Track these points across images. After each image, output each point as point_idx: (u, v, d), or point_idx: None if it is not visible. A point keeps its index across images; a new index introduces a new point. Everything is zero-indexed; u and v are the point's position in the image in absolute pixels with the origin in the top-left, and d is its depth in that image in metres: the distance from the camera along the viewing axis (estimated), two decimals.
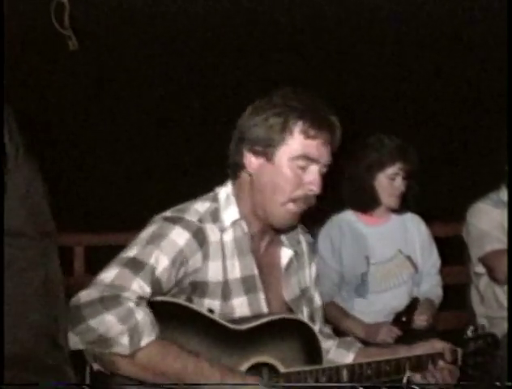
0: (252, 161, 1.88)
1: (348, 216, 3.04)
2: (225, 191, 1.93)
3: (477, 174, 4.21)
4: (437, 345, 2.04)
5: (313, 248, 2.15)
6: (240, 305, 1.86)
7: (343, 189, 3.03)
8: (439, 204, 4.11)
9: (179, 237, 1.81)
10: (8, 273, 1.07)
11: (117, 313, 1.65)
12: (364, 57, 4.57)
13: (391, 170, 2.93)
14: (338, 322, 2.90)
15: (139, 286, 1.72)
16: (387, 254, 3.01)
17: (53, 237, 1.16)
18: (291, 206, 1.86)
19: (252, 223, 1.91)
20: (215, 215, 1.88)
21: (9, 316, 1.06)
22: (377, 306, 2.95)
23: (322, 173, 1.89)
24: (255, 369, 1.82)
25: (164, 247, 1.78)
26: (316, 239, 3.01)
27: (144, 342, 1.65)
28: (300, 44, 4.54)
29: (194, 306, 1.82)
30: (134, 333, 1.64)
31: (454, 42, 4.61)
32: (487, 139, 3.23)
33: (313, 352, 1.91)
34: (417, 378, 2.01)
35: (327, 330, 2.16)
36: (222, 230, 1.87)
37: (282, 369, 1.84)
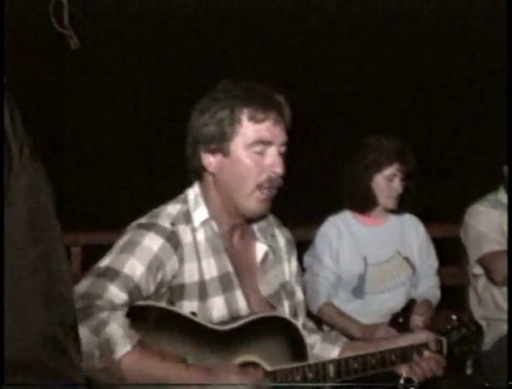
0: (211, 161, 1.89)
1: (346, 217, 3.04)
2: (193, 192, 1.95)
3: (475, 176, 4.21)
4: (421, 336, 2.06)
5: (293, 243, 2.16)
6: (218, 304, 1.87)
7: (341, 189, 3.03)
8: (437, 205, 4.11)
9: (152, 242, 1.81)
10: (9, 276, 1.06)
11: (89, 324, 1.63)
12: (362, 57, 4.57)
13: (389, 171, 2.93)
14: (334, 322, 2.91)
15: (113, 293, 1.72)
16: (385, 254, 3.01)
17: (57, 239, 1.15)
18: (258, 193, 1.86)
19: (223, 221, 1.92)
20: (187, 217, 1.89)
21: (9, 320, 1.05)
22: (374, 307, 2.95)
23: (281, 153, 1.89)
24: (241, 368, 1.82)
25: (138, 254, 1.79)
26: (313, 239, 3.02)
27: (119, 354, 1.63)
28: (296, 46, 4.54)
29: (178, 309, 1.82)
30: (106, 347, 1.62)
31: (454, 43, 4.61)
32: (485, 140, 3.23)
33: (297, 349, 1.91)
34: (403, 369, 2.02)
35: (311, 324, 2.18)
36: (193, 230, 1.88)
37: (268, 367, 1.84)
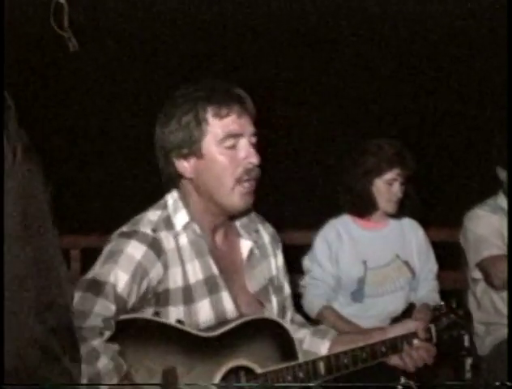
0: (185, 166, 1.89)
1: (346, 221, 3.04)
2: (172, 197, 1.94)
3: (475, 180, 4.21)
4: (410, 325, 2.06)
5: (277, 238, 2.15)
6: (204, 307, 1.86)
7: (341, 193, 3.03)
8: (436, 209, 4.11)
9: (135, 250, 1.81)
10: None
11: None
12: (363, 62, 4.57)
13: (389, 175, 2.94)
14: (334, 326, 2.89)
15: (102, 306, 1.72)
16: (384, 258, 3.00)
17: (51, 242, 1.12)
18: (239, 187, 1.86)
19: (204, 224, 1.92)
20: (167, 222, 1.89)
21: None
22: (373, 311, 2.94)
23: (253, 144, 1.90)
24: (232, 373, 1.82)
25: (121, 263, 1.79)
26: (313, 243, 3.02)
27: (104, 387, 1.64)
28: (296, 48, 4.54)
29: (164, 320, 1.81)
30: (94, 379, 1.63)
31: (453, 44, 4.61)
32: (485, 144, 3.23)
33: (287, 349, 1.91)
34: (394, 360, 2.01)
35: (299, 317, 2.17)
36: (176, 235, 1.87)
37: (258, 370, 1.84)
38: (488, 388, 2.67)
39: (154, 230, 1.86)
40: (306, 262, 3.02)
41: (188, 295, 1.85)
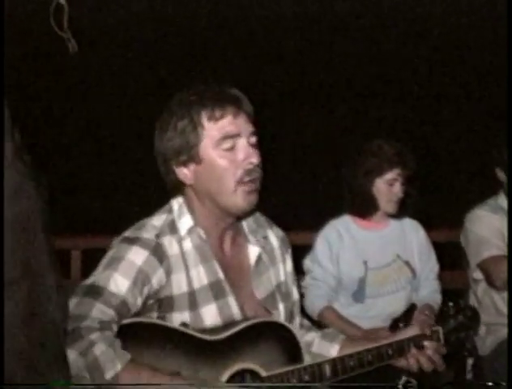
0: (185, 173, 1.87)
1: (346, 221, 3.04)
2: (177, 202, 1.92)
3: (475, 180, 4.21)
4: (415, 328, 2.07)
5: (286, 242, 2.13)
6: (210, 313, 1.85)
7: (342, 194, 3.03)
8: (437, 210, 4.11)
9: (137, 256, 1.79)
10: None
11: (77, 347, 1.62)
12: (364, 65, 4.57)
13: (390, 176, 2.93)
14: (335, 327, 2.89)
15: (100, 311, 1.70)
16: (385, 259, 3.00)
17: (42, 248, 1.07)
18: (241, 188, 1.84)
19: (210, 229, 1.90)
20: (172, 226, 1.87)
21: None
22: (374, 311, 2.94)
23: (253, 144, 1.87)
24: (237, 376, 1.81)
25: (122, 269, 1.77)
26: (314, 243, 3.02)
27: (110, 375, 1.62)
28: (296, 50, 4.54)
29: (168, 323, 1.80)
30: (95, 369, 1.61)
31: (452, 46, 4.62)
32: (486, 145, 3.23)
33: (293, 352, 1.90)
34: (401, 362, 2.01)
35: (306, 322, 2.17)
36: (180, 240, 1.86)
37: (264, 373, 1.82)
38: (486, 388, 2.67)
39: (157, 235, 1.84)
40: (307, 262, 3.02)
41: (193, 300, 1.83)
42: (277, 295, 2.01)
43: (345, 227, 3.02)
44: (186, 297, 1.83)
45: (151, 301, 1.81)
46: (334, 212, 3.06)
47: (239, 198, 1.84)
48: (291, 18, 4.46)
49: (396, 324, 2.87)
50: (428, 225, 3.15)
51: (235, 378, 1.80)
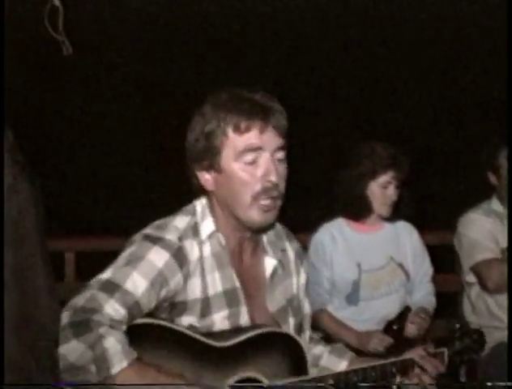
0: (206, 178, 1.83)
1: (340, 224, 3.04)
2: (200, 204, 1.88)
3: (469, 183, 4.22)
4: (422, 351, 2.02)
5: (302, 255, 2.09)
6: (220, 320, 1.82)
7: (336, 197, 3.03)
8: (431, 212, 4.12)
9: (158, 257, 1.76)
10: None
11: (86, 339, 1.61)
12: (358, 64, 4.58)
13: (384, 179, 2.94)
14: (329, 329, 2.90)
15: (113, 309, 1.68)
16: (379, 261, 3.00)
17: (34, 252, 1.06)
18: (257, 204, 1.79)
19: (230, 235, 1.86)
20: (195, 229, 1.83)
21: None
22: (368, 314, 2.94)
23: (279, 158, 1.82)
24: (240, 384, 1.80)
25: (141, 269, 1.74)
26: (308, 246, 3.02)
27: (115, 370, 1.60)
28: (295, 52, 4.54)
29: (176, 326, 1.78)
30: (102, 362, 1.60)
31: (451, 47, 4.63)
32: (479, 148, 3.24)
33: (298, 365, 1.88)
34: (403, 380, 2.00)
35: (316, 336, 2.14)
36: (200, 243, 1.82)
37: (266, 383, 1.81)
38: None
39: (180, 238, 1.80)
40: None
41: (205, 307, 1.81)
42: (288, 309, 1.98)
43: (339, 230, 3.02)
44: (199, 303, 1.81)
45: (165, 304, 1.79)
46: (328, 215, 3.06)
47: (254, 213, 1.80)
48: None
49: (390, 327, 2.88)
50: (421, 228, 3.15)
51: (237, 386, 1.79)
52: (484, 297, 3.08)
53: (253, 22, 4.47)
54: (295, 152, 1.91)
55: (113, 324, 1.66)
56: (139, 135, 4.37)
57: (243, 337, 1.81)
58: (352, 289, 2.95)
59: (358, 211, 2.99)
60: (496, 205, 3.13)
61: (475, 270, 3.06)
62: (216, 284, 1.83)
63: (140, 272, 1.73)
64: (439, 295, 3.13)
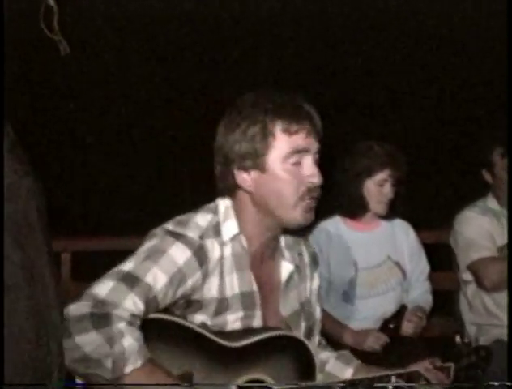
0: (245, 179, 1.83)
1: (336, 222, 3.04)
2: (224, 204, 1.88)
3: (465, 181, 4.22)
4: (429, 364, 2.02)
5: (317, 259, 2.10)
6: (233, 320, 1.83)
7: (332, 195, 3.03)
8: (427, 211, 4.12)
9: (179, 254, 1.76)
10: None
11: (105, 333, 1.61)
12: (355, 62, 4.58)
13: (380, 176, 2.94)
14: (325, 328, 2.89)
15: (133, 303, 1.68)
16: (375, 259, 3.01)
17: (41, 248, 1.06)
18: (301, 204, 1.81)
19: (252, 238, 1.86)
20: (216, 229, 1.83)
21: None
22: (364, 312, 2.94)
23: (316, 161, 1.85)
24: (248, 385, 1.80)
25: (162, 264, 1.74)
26: None
27: (129, 369, 1.61)
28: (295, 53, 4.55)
29: (188, 323, 1.78)
30: (119, 359, 1.60)
31: (451, 47, 4.63)
32: (475, 146, 3.24)
33: (307, 370, 1.88)
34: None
35: (323, 341, 2.15)
36: (222, 244, 1.82)
37: (275, 386, 1.81)
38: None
39: (201, 236, 1.80)
40: None
41: (220, 307, 1.81)
42: (301, 313, 1.99)
43: (335, 228, 3.03)
44: (215, 302, 1.81)
45: (180, 301, 1.79)
46: (325, 214, 3.06)
47: (298, 213, 1.82)
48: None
49: (386, 325, 2.88)
50: (417, 226, 3.16)
51: (245, 386, 1.79)
52: (481, 295, 3.08)
53: (253, 22, 4.47)
54: None
55: (132, 320, 1.66)
56: (135, 136, 4.37)
57: (254, 339, 1.81)
58: (349, 287, 2.95)
59: (354, 209, 3.00)
60: (491, 203, 3.14)
61: (472, 268, 3.06)
62: (234, 285, 1.83)
63: (161, 267, 1.73)
64: (436, 293, 3.13)
